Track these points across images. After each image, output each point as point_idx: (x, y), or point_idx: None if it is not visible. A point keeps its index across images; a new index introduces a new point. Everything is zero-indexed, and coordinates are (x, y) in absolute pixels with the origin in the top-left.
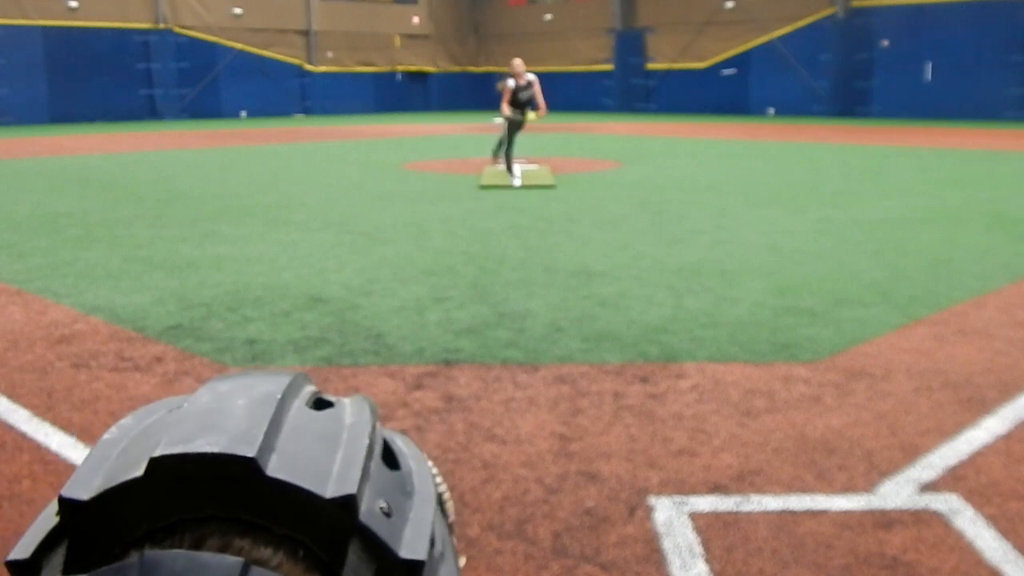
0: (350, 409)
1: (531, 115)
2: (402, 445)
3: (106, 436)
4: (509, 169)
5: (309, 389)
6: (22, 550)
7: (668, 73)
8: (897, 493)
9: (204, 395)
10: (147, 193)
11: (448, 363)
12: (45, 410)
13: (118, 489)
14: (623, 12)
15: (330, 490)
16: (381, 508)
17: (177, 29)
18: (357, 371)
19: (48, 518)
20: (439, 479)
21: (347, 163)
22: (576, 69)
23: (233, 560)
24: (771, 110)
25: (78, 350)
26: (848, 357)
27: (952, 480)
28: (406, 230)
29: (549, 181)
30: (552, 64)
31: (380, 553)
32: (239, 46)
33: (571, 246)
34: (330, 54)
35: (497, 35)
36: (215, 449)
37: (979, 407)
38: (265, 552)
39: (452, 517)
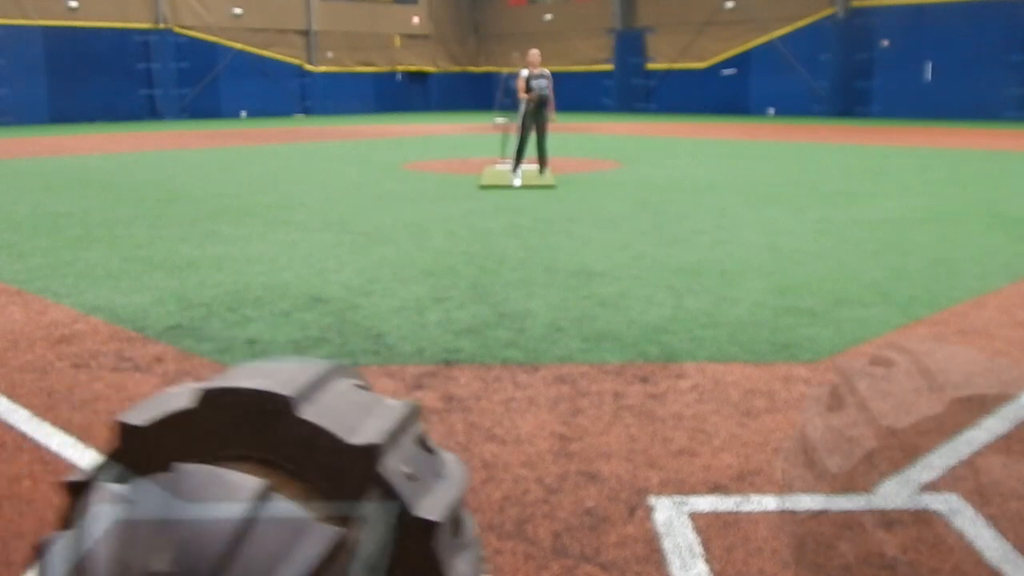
0: (395, 400)
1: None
2: (446, 453)
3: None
4: (516, 165)
5: (358, 381)
6: (80, 474)
7: (668, 73)
8: (897, 493)
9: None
10: (147, 193)
11: (448, 363)
12: (45, 410)
13: (168, 417)
14: (623, 12)
15: (355, 439)
16: (405, 471)
17: (177, 29)
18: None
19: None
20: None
21: (347, 163)
22: (576, 69)
23: (256, 480)
24: (771, 110)
25: (78, 350)
26: (848, 357)
27: (952, 480)
28: (406, 230)
29: (549, 181)
30: (552, 64)
31: (396, 507)
32: (239, 46)
33: (571, 246)
34: (330, 54)
35: (497, 35)
36: (258, 387)
37: (979, 407)
38: (290, 489)
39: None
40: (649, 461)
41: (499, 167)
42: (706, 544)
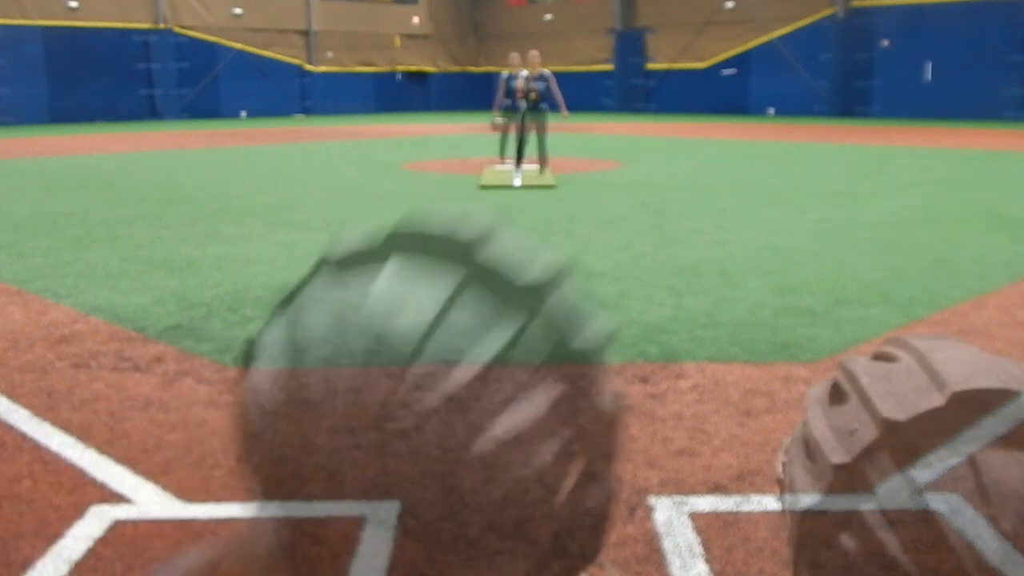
0: (551, 256)
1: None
2: (592, 312)
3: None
4: (517, 165)
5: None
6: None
7: (668, 73)
8: (897, 493)
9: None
10: (147, 193)
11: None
12: (45, 410)
13: (351, 255)
14: (623, 12)
15: (526, 278)
16: (565, 304)
17: (177, 29)
18: None
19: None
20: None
21: (347, 163)
22: (576, 69)
23: (456, 272)
24: (771, 110)
25: (78, 350)
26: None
27: (952, 480)
28: None
29: (549, 181)
30: (552, 64)
31: (557, 336)
32: (239, 46)
33: (571, 246)
34: (330, 54)
35: (497, 35)
36: (441, 232)
37: (979, 407)
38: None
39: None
40: (649, 461)
41: (499, 167)
42: (706, 544)
